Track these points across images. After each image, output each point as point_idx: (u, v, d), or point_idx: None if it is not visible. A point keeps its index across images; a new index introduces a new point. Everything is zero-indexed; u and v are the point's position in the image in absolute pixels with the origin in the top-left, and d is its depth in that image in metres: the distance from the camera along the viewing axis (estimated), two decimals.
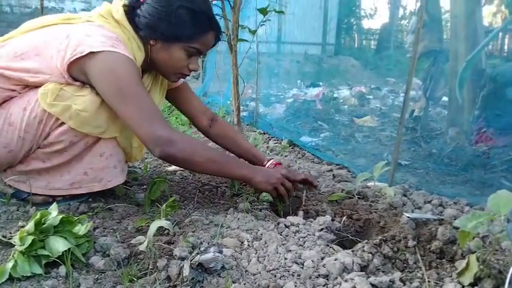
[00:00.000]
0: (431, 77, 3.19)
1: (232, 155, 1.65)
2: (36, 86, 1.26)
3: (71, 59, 1.20)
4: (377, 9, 11.82)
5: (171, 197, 1.37)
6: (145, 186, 1.63)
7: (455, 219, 1.21)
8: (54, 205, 1.07)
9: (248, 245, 1.12)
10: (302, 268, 1.02)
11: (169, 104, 1.71)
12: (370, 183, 1.66)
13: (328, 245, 1.14)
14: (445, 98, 3.26)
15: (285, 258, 1.05)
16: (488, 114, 2.55)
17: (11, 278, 0.93)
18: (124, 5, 1.37)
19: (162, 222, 1.04)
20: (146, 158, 2.01)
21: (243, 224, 1.25)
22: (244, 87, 2.21)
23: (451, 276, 1.01)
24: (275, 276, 0.99)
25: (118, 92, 1.22)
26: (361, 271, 1.01)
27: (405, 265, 1.09)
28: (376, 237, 1.17)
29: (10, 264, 0.94)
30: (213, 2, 1.63)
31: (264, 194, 1.46)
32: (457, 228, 1.10)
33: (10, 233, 1.11)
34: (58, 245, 0.98)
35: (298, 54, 8.16)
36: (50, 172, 1.32)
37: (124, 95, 1.22)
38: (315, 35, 9.26)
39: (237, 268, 1.01)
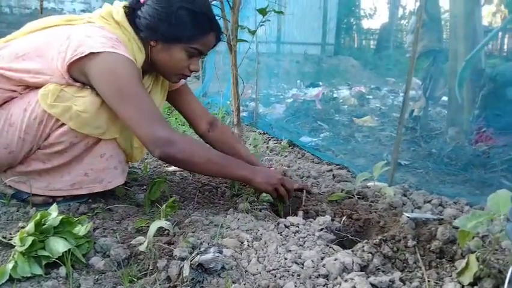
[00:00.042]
0: (430, 77, 3.19)
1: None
2: (37, 86, 1.26)
3: (72, 60, 1.20)
4: (377, 9, 11.82)
5: (171, 197, 1.37)
6: (145, 187, 1.63)
7: (455, 219, 1.22)
8: (54, 206, 1.08)
9: (248, 245, 1.12)
10: (302, 268, 1.02)
11: (169, 104, 1.70)
12: (370, 183, 1.66)
13: (328, 245, 1.14)
14: (445, 98, 3.26)
15: (285, 258, 1.05)
16: (487, 114, 2.55)
17: (11, 279, 0.93)
18: (125, 7, 1.37)
19: (162, 223, 1.04)
20: (146, 159, 2.01)
21: (243, 224, 1.25)
22: (243, 88, 2.21)
23: (450, 275, 1.01)
24: (275, 276, 0.99)
25: (118, 92, 1.22)
26: (361, 271, 1.02)
27: (405, 265, 1.09)
28: (376, 237, 1.17)
29: (10, 265, 0.94)
30: (212, 3, 1.63)
31: (264, 194, 1.46)
32: (456, 227, 1.10)
33: (10, 233, 1.11)
34: (58, 245, 0.98)
35: (297, 55, 8.17)
36: (50, 173, 1.32)
37: (124, 95, 1.22)
38: (315, 35, 9.26)
39: (237, 268, 1.01)
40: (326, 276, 0.99)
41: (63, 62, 1.21)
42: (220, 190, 1.65)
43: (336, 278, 0.98)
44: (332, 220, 1.30)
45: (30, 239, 0.96)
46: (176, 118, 3.09)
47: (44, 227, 1.00)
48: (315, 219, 1.29)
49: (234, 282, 0.95)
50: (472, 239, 1.04)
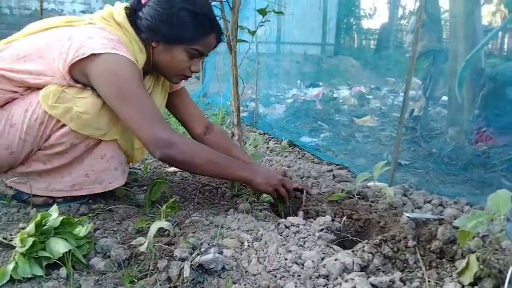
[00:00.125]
0: (430, 77, 3.19)
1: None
2: (38, 88, 1.26)
3: (73, 61, 1.20)
4: (377, 9, 11.81)
5: (171, 198, 1.37)
6: (145, 188, 1.63)
7: (455, 219, 1.22)
8: (54, 207, 1.08)
9: (248, 246, 1.12)
10: (302, 268, 1.02)
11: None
12: (370, 183, 1.66)
13: (328, 245, 1.15)
14: (445, 98, 3.26)
15: (285, 259, 1.05)
16: (488, 114, 2.55)
17: (11, 280, 0.93)
18: (126, 8, 1.37)
19: (162, 223, 1.04)
20: (146, 159, 2.01)
21: (243, 224, 1.26)
22: (244, 88, 2.21)
23: (451, 276, 1.01)
24: (275, 276, 0.99)
25: (119, 93, 1.22)
26: (361, 271, 1.02)
27: (405, 265, 1.09)
28: (376, 237, 1.17)
29: (11, 266, 0.94)
30: (212, 3, 1.62)
31: (264, 194, 1.46)
32: (456, 228, 1.10)
33: (11, 234, 1.11)
34: (59, 246, 0.98)
35: (297, 55, 8.17)
36: (50, 174, 1.33)
37: (125, 96, 1.22)
38: (315, 35, 9.26)
39: (237, 269, 1.01)
40: (326, 277, 0.99)
41: (64, 63, 1.22)
42: (220, 191, 1.65)
43: (337, 278, 0.98)
44: (332, 220, 1.31)
45: (30, 240, 0.96)
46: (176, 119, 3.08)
47: (44, 227, 1.01)
48: (315, 220, 1.29)
49: (234, 283, 0.96)
50: (472, 239, 1.04)
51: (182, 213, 1.38)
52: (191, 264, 0.95)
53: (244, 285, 0.95)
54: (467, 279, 0.95)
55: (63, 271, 0.97)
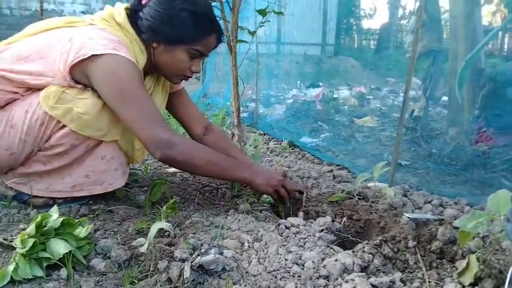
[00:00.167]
0: (430, 77, 3.19)
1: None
2: (38, 88, 1.26)
3: (74, 62, 1.21)
4: (377, 9, 11.80)
5: (171, 198, 1.37)
6: (145, 188, 1.63)
7: (455, 219, 1.21)
8: (55, 208, 1.08)
9: (248, 246, 1.12)
10: (303, 269, 1.02)
11: None
12: (370, 184, 1.66)
13: (328, 246, 1.15)
14: (445, 98, 3.26)
15: (286, 259, 1.05)
16: (488, 114, 2.55)
17: (12, 281, 0.93)
18: (126, 8, 1.38)
19: (163, 224, 1.05)
20: (146, 160, 2.01)
21: (244, 225, 1.26)
22: (244, 88, 2.21)
23: (451, 276, 1.01)
24: (276, 277, 0.99)
25: (119, 94, 1.22)
26: (361, 272, 1.02)
27: (405, 265, 1.09)
28: (376, 237, 1.17)
29: (11, 267, 0.94)
30: (212, 4, 1.63)
31: (265, 195, 1.46)
32: (457, 228, 1.10)
33: (11, 235, 1.12)
34: (59, 247, 0.98)
35: (297, 55, 8.16)
36: (51, 175, 1.33)
37: (125, 97, 1.23)
38: (315, 35, 9.26)
39: (237, 269, 1.01)
40: (327, 277, 0.99)
41: (65, 63, 1.22)
42: (220, 191, 1.65)
43: (337, 278, 0.98)
44: (333, 221, 1.31)
45: (31, 241, 0.96)
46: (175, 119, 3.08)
47: (45, 228, 1.01)
48: (315, 220, 1.29)
49: (234, 284, 0.96)
50: (472, 240, 1.04)
51: (183, 214, 1.38)
52: (191, 265, 0.95)
53: (245, 286, 0.95)
54: (467, 279, 0.95)
55: (63, 272, 0.98)
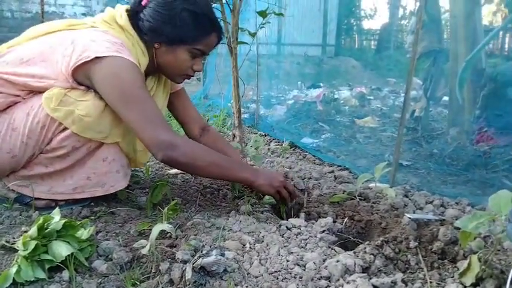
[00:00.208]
0: (431, 77, 3.19)
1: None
2: (40, 91, 1.27)
3: (77, 64, 1.21)
4: (377, 10, 11.80)
5: (173, 200, 1.37)
6: (147, 190, 1.64)
7: (456, 220, 1.21)
8: (57, 210, 1.08)
9: (250, 248, 1.13)
10: (304, 270, 1.02)
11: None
12: (371, 184, 1.66)
13: (330, 247, 1.15)
14: (446, 98, 3.26)
15: (287, 261, 1.06)
16: (488, 114, 2.55)
17: (14, 283, 0.94)
18: (127, 10, 1.38)
19: (164, 226, 1.05)
20: (147, 162, 2.01)
21: (245, 226, 1.26)
22: (244, 89, 2.21)
23: (452, 276, 1.01)
24: (277, 278, 0.99)
25: (122, 96, 1.23)
26: (363, 272, 1.02)
27: (407, 266, 1.09)
28: (378, 238, 1.17)
29: (14, 269, 0.94)
30: (213, 5, 1.63)
31: (266, 196, 1.46)
32: (458, 228, 1.10)
33: (13, 238, 1.12)
34: (61, 249, 0.99)
35: (298, 56, 8.15)
36: (52, 177, 1.33)
37: (128, 99, 1.23)
38: (315, 36, 9.25)
39: (239, 271, 1.01)
40: (328, 278, 0.99)
41: (67, 66, 1.22)
42: (221, 192, 1.65)
43: (338, 279, 0.98)
44: (334, 222, 1.31)
45: (33, 243, 0.97)
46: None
47: (47, 231, 1.01)
48: (317, 221, 1.29)
49: (236, 285, 0.96)
50: (473, 240, 1.04)
51: (184, 215, 1.38)
52: (193, 267, 0.95)
53: (246, 287, 0.96)
54: (469, 280, 0.95)
55: (65, 274, 0.98)
